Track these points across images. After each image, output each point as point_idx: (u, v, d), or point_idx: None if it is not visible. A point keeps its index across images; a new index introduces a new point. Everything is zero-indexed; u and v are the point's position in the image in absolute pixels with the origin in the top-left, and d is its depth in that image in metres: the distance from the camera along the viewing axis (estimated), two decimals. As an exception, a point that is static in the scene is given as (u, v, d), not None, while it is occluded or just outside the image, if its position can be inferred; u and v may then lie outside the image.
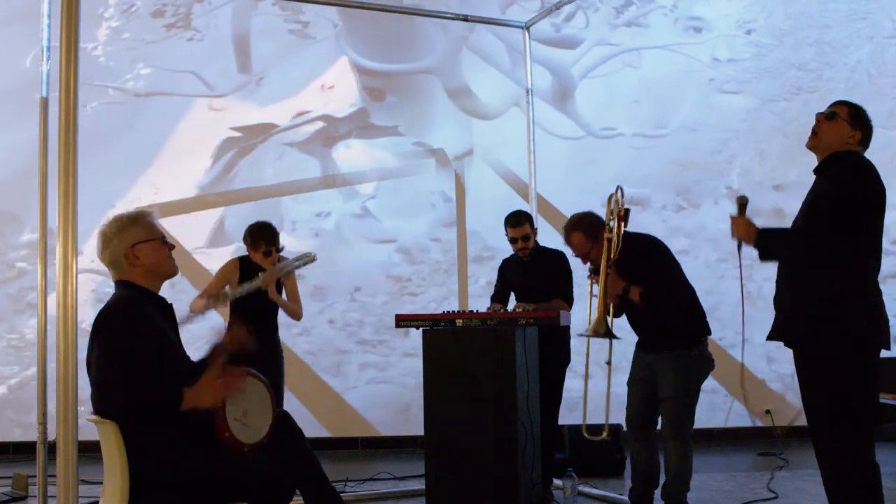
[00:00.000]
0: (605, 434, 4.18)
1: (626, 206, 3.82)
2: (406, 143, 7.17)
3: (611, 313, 3.80)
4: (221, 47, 7.17)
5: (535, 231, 4.74)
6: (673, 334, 3.87)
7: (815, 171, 3.09)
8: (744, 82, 7.24)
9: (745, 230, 2.99)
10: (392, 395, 6.82)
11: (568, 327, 4.63)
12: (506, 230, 4.67)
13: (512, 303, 4.79)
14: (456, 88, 7.21)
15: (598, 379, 4.15)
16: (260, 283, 4.47)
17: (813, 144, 3.06)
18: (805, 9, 7.39)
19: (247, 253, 4.72)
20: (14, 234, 6.97)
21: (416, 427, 4.71)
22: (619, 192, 3.82)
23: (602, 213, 3.93)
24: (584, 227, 3.97)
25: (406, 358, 6.76)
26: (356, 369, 6.86)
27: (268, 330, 4.65)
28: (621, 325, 3.96)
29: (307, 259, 4.53)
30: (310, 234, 7.01)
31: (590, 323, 3.79)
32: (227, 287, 4.64)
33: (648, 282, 3.78)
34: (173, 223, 6.80)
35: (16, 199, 6.82)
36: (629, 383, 4.05)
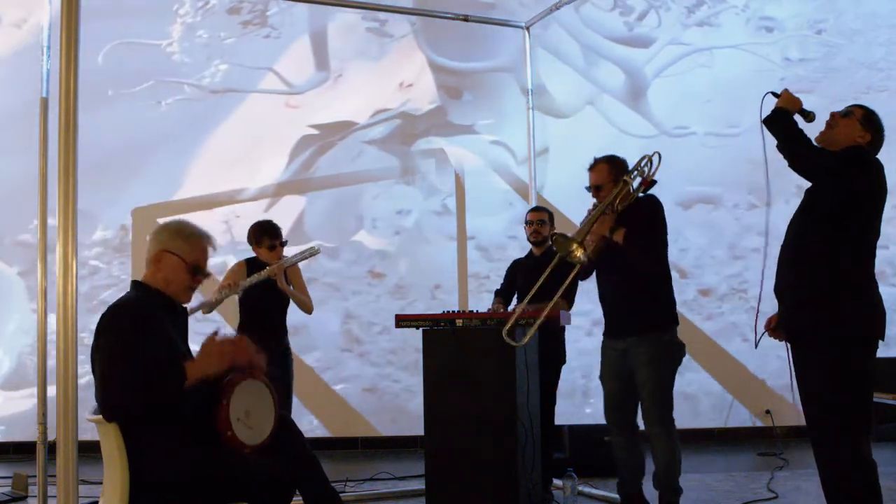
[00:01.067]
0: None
1: (654, 178, 3.80)
2: (482, 141, 7.23)
3: (588, 250, 3.68)
4: (298, 45, 7.22)
5: (552, 228, 4.82)
6: (645, 314, 3.80)
7: None
8: (814, 82, 7.29)
9: (791, 100, 3.16)
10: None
11: (564, 327, 4.64)
12: (526, 216, 4.92)
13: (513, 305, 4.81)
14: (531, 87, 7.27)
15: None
16: (268, 273, 4.50)
17: (822, 137, 3.13)
18: (875, 9, 7.47)
19: (253, 255, 4.74)
20: (86, 232, 6.96)
21: (416, 427, 4.71)
22: (657, 157, 3.79)
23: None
24: (611, 162, 3.97)
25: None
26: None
27: (276, 332, 4.65)
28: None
29: (311, 252, 4.65)
30: (390, 232, 7.09)
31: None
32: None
33: (634, 232, 3.75)
34: (251, 220, 6.89)
35: (87, 196, 6.89)
36: (603, 378, 4.00)
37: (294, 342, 4.81)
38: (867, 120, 3.11)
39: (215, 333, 2.81)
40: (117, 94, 7.03)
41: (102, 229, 6.96)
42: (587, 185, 4.00)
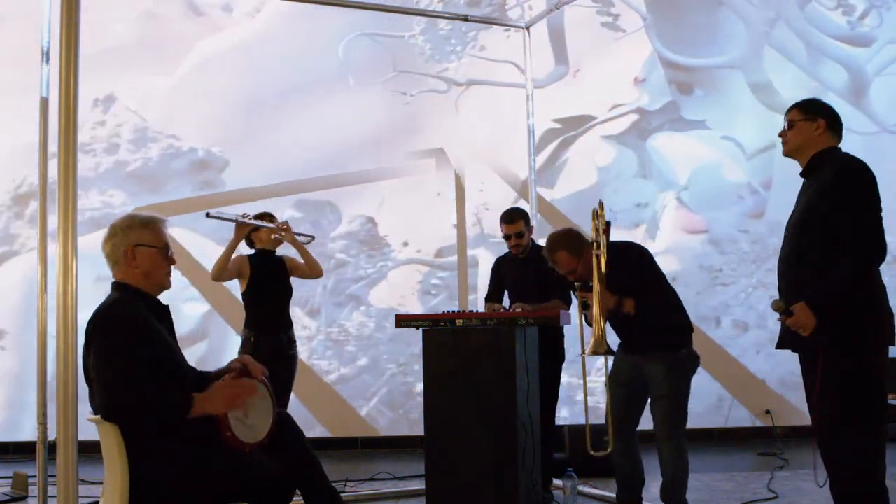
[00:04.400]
0: (609, 450, 3.98)
1: (606, 220, 3.79)
2: (714, 137, 7.33)
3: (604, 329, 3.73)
4: (537, 38, 7.22)
5: (530, 229, 4.78)
6: (661, 337, 3.85)
7: (802, 174, 3.12)
8: None
9: (809, 319, 2.86)
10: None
11: (562, 327, 4.64)
12: (501, 227, 4.74)
13: (506, 303, 4.80)
14: (758, 84, 7.41)
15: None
16: (275, 227, 4.55)
17: (786, 151, 3.13)
18: None
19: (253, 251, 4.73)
20: (331, 224, 7.05)
21: (419, 427, 4.71)
22: (600, 206, 3.81)
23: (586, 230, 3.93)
24: (567, 245, 3.94)
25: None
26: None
27: (280, 326, 4.64)
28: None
29: (309, 238, 4.80)
30: (630, 224, 7.18)
31: (583, 343, 3.75)
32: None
33: (635, 290, 3.78)
34: (492, 216, 6.89)
35: (330, 189, 7.02)
36: (611, 384, 4.02)
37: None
38: (808, 112, 3.06)
39: (230, 373, 2.88)
40: (359, 84, 7.17)
41: (347, 222, 7.00)
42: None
